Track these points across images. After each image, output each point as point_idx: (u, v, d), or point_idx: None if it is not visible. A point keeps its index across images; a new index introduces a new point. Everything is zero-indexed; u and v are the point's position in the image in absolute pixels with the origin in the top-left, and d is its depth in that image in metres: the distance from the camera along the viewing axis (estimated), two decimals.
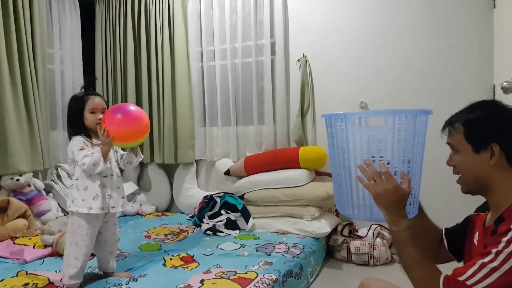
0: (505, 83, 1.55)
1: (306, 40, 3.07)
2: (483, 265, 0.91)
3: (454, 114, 1.11)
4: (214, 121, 3.42)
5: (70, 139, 1.84)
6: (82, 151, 1.74)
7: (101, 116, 1.77)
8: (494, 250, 0.91)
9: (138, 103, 3.52)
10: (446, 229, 1.30)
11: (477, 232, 1.11)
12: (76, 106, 1.81)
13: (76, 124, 1.81)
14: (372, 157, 1.13)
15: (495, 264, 0.90)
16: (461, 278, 0.93)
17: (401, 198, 1.08)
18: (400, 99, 2.80)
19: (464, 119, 1.07)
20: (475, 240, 1.12)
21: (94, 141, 1.81)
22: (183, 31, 3.37)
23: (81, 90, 1.87)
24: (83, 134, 1.81)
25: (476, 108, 1.07)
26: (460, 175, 1.11)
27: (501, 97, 1.63)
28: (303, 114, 3.09)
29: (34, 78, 2.94)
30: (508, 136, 1.02)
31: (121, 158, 1.93)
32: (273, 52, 3.15)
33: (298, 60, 3.08)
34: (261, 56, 3.18)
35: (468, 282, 0.92)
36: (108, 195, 1.81)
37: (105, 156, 1.72)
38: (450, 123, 1.10)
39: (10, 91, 2.75)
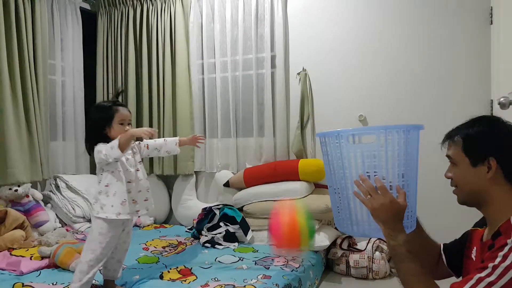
0: (502, 99, 1.56)
1: (306, 53, 3.11)
2: (480, 280, 0.91)
3: (455, 128, 1.13)
4: (214, 132, 3.43)
5: (90, 150, 1.83)
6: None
7: (128, 128, 1.80)
8: (491, 265, 0.91)
9: (139, 113, 3.54)
10: (444, 244, 1.30)
11: (475, 247, 1.12)
12: (104, 116, 1.79)
13: (99, 134, 1.79)
14: (367, 172, 1.15)
15: (492, 278, 0.89)
16: None
17: (397, 212, 1.09)
18: (398, 112, 2.83)
19: (463, 133, 1.08)
20: (473, 255, 1.12)
21: None
22: (185, 43, 3.40)
23: (108, 99, 1.87)
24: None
25: (476, 122, 1.08)
26: (457, 187, 1.12)
27: (498, 112, 1.64)
28: (302, 126, 3.10)
29: (35, 88, 2.96)
30: (506, 151, 1.03)
31: (147, 148, 1.99)
32: (273, 65, 3.18)
33: (298, 74, 3.11)
34: (261, 69, 3.21)
35: None
36: (133, 200, 1.84)
37: (123, 141, 1.71)
38: (449, 137, 1.12)
39: (10, 101, 2.76)
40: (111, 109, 1.80)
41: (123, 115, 1.81)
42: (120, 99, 3.57)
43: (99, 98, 3.64)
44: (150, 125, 3.50)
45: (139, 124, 3.55)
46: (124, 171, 1.82)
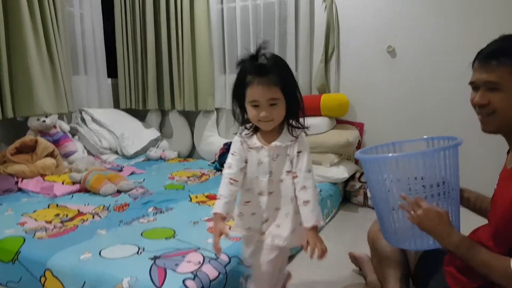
0: None
1: None
2: None
3: (494, 45, 1.02)
4: (234, 68, 3.36)
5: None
6: (228, 160, 1.30)
7: (264, 113, 1.17)
8: None
9: (158, 48, 3.50)
10: None
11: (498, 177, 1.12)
12: (237, 83, 1.22)
13: (240, 107, 1.25)
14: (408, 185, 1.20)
15: None
16: None
17: (439, 218, 1.08)
18: (428, 44, 2.70)
19: None
20: (495, 185, 1.13)
21: (254, 141, 1.27)
22: None
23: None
24: (247, 126, 1.29)
25: None
26: (494, 114, 1.03)
27: None
28: (327, 59, 3.01)
29: (54, 20, 2.93)
30: None
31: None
32: None
33: (324, 1, 2.95)
34: None
35: None
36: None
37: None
38: (492, 56, 1.00)
39: (31, 34, 2.74)
40: (244, 79, 1.18)
41: (254, 93, 1.16)
42: (141, 35, 3.46)
43: (118, 31, 3.59)
44: (169, 61, 3.47)
45: (158, 59, 3.52)
46: None
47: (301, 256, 1.91)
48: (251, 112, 1.20)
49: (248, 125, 1.29)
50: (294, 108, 1.23)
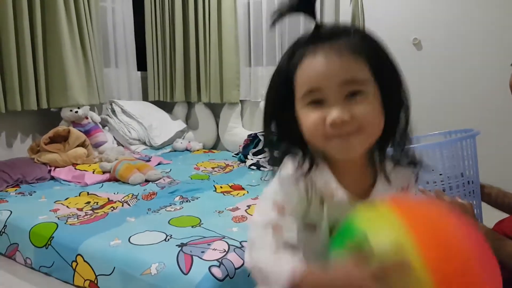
0: None
1: None
2: None
3: None
4: (260, 60, 3.39)
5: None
6: (267, 214, 0.66)
7: (337, 113, 0.59)
8: None
9: (185, 40, 3.55)
10: None
11: None
12: (278, 76, 0.69)
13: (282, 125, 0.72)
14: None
15: None
16: None
17: (464, 210, 1.05)
18: (453, 37, 2.62)
19: None
20: None
21: (329, 185, 0.65)
22: None
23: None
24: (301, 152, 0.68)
25: None
26: None
27: None
28: None
29: (88, 15, 3.03)
30: None
31: None
32: None
33: None
34: None
35: None
36: None
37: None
38: None
39: (66, 29, 2.85)
40: (287, 65, 0.66)
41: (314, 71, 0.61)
42: (170, 28, 3.51)
43: (148, 25, 3.66)
44: (197, 54, 3.52)
45: (185, 52, 3.57)
46: None
47: None
48: (307, 118, 0.62)
49: (299, 155, 0.67)
50: (398, 109, 0.65)
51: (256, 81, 3.44)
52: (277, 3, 3.16)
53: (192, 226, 1.66)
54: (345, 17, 2.95)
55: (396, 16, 2.81)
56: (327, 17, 2.99)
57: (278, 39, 3.23)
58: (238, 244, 1.45)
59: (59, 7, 2.79)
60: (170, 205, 1.93)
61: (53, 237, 1.61)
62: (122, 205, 1.97)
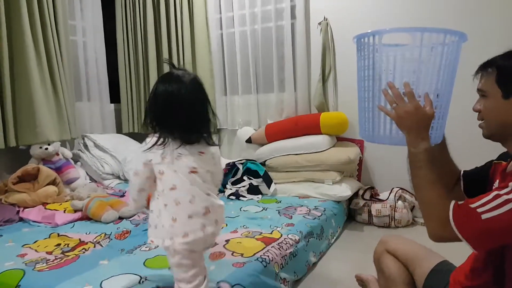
0: None
1: (327, 2, 2.98)
2: (497, 196, 0.89)
3: (490, 59, 1.07)
4: (235, 89, 3.42)
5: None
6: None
7: None
8: (511, 184, 0.89)
9: (159, 72, 3.55)
10: (464, 171, 1.28)
11: (497, 180, 1.10)
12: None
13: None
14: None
15: (510, 196, 0.87)
16: (473, 205, 0.91)
17: (422, 119, 1.04)
18: None
19: (498, 63, 1.03)
20: (494, 187, 1.11)
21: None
22: None
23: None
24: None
25: None
26: (484, 120, 1.07)
27: None
28: (324, 79, 3.04)
29: (58, 49, 2.98)
30: None
31: None
32: (293, 16, 3.08)
33: (319, 23, 3.00)
34: (281, 20, 3.12)
35: (479, 210, 0.90)
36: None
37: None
38: (483, 67, 1.07)
39: (35, 62, 2.79)
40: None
41: None
42: (144, 61, 3.55)
43: (121, 58, 3.65)
44: None
45: None
46: None
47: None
48: None
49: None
50: None
51: (232, 110, 3.45)
52: (249, 35, 3.23)
53: (168, 268, 1.59)
54: (317, 48, 3.03)
55: None
56: (299, 49, 3.07)
57: (252, 69, 3.27)
58: (214, 286, 1.40)
59: (26, 39, 2.73)
60: (145, 244, 1.86)
61: (19, 285, 1.52)
62: (94, 246, 1.88)
